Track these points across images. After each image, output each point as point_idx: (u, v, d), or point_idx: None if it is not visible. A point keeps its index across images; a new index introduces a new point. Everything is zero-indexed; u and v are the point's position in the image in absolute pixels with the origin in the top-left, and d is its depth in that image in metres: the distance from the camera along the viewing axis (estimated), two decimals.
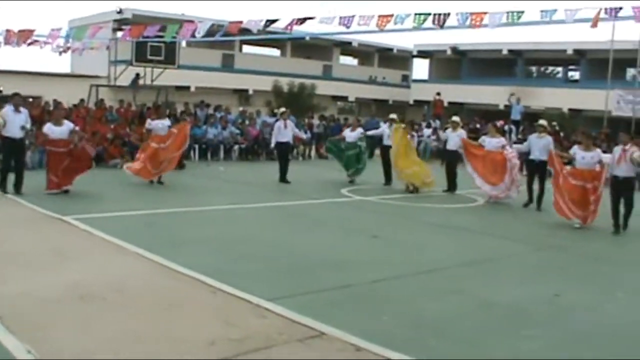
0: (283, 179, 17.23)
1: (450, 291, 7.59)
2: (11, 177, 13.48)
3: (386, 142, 17.60)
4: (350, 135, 18.27)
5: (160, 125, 15.75)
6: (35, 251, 8.58)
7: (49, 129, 13.89)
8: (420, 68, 47.84)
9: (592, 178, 12.57)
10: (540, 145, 14.66)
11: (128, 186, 15.29)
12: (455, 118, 17.55)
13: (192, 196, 14.38)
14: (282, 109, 18.85)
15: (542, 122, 15.32)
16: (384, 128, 18.28)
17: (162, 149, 15.41)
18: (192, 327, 5.91)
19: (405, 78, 48.02)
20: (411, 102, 44.34)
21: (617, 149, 12.25)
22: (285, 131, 17.46)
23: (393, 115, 18.31)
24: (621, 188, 12.14)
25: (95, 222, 10.44)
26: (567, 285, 8.20)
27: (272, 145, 17.97)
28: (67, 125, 14.07)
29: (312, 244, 9.85)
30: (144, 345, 5.44)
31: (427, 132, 29.49)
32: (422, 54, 45.56)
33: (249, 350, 5.44)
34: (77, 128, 14.51)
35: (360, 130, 18.60)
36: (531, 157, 14.94)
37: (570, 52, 37.98)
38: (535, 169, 14.92)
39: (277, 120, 18.59)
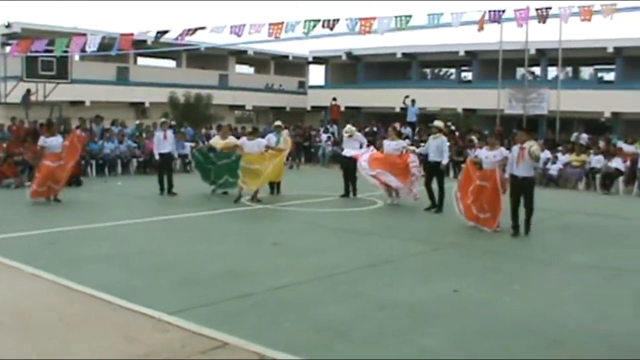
0: (169, 190, 17.05)
1: (352, 294, 7.76)
2: None
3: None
4: (222, 143, 17.73)
5: (55, 142, 15.38)
6: None
7: None
8: (317, 74, 48.43)
9: (488, 178, 12.53)
10: (434, 146, 14.85)
11: (25, 206, 14.86)
12: (349, 126, 17.79)
13: (91, 213, 14.09)
14: (162, 119, 18.66)
15: (437, 123, 15.47)
16: (270, 136, 17.95)
17: (60, 166, 15.08)
18: (93, 346, 5.84)
19: (301, 84, 48.38)
20: (308, 108, 44.65)
21: (515, 148, 12.09)
22: (165, 142, 17.17)
23: (278, 122, 18.42)
24: (521, 188, 11.93)
25: None
26: (466, 281, 8.50)
27: (157, 157, 17.38)
28: None
29: (212, 255, 9.83)
30: None
31: (324, 137, 29.87)
32: (318, 60, 45.99)
33: None
34: None
35: (232, 137, 18.30)
36: (428, 158, 15.08)
37: (462, 53, 39.07)
38: (431, 170, 14.98)
39: (157, 131, 18.41)
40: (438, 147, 14.78)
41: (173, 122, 28.56)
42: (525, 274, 9.37)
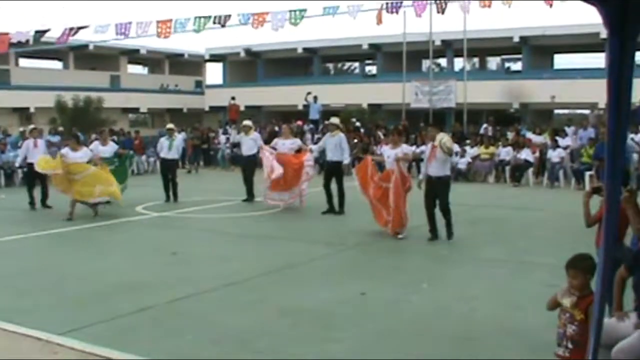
0: (44, 203, 16.50)
1: (255, 302, 7.77)
2: None
3: (165, 155, 17.50)
4: (102, 149, 16.67)
5: None
6: None
7: None
8: (214, 72, 48.20)
9: (389, 179, 12.13)
10: (332, 144, 14.78)
11: None
12: (247, 122, 17.76)
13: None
14: (32, 126, 18.23)
15: (333, 119, 15.45)
16: (162, 140, 17.88)
17: None
18: None
19: (199, 84, 48.13)
20: (206, 108, 44.45)
21: (428, 146, 11.80)
22: (35, 150, 16.63)
23: (170, 125, 18.25)
24: (435, 189, 11.47)
25: None
26: (372, 282, 8.62)
27: (22, 167, 16.73)
28: None
29: (105, 269, 9.64)
30: None
31: (223, 138, 29.77)
32: (215, 58, 45.77)
33: None
34: None
35: (112, 144, 17.64)
36: (327, 158, 15.11)
37: (365, 46, 39.59)
38: (330, 170, 14.88)
39: (17, 140, 17.91)
40: (337, 145, 14.70)
41: (61, 128, 28.00)
42: (434, 271, 9.58)
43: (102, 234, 13.03)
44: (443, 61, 41.19)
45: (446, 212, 11.55)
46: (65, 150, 15.62)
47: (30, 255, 11.05)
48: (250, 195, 16.84)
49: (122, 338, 6.46)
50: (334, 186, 14.73)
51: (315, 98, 31.32)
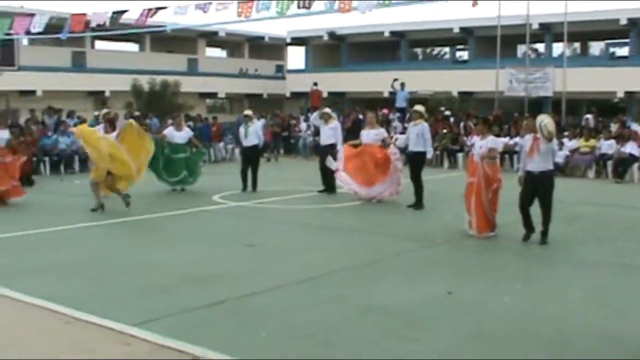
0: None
1: (334, 298, 7.76)
2: None
3: (245, 143, 17.66)
4: (177, 135, 17.70)
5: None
6: None
7: None
8: (296, 57, 48.51)
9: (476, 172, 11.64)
10: (414, 134, 14.54)
11: None
12: (327, 110, 17.75)
13: (44, 215, 13.98)
14: (104, 110, 18.67)
15: (417, 107, 15.08)
16: (240, 128, 18.12)
17: (2, 164, 15.00)
18: None
19: (279, 69, 48.40)
20: (287, 94, 44.68)
21: (528, 138, 11.10)
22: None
23: (248, 112, 18.37)
24: (537, 185, 10.86)
25: None
26: (460, 281, 8.52)
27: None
28: None
29: (179, 260, 9.80)
30: None
31: (304, 126, 29.85)
32: (297, 41, 46.00)
33: None
34: None
35: (187, 130, 18.34)
36: (408, 148, 14.89)
37: (456, 30, 39.18)
38: (414, 162, 14.69)
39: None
40: (419, 135, 14.46)
41: (137, 113, 28.55)
42: (528, 271, 9.39)
43: (176, 223, 13.25)
44: (541, 46, 40.50)
45: (547, 212, 10.92)
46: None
47: (103, 243, 11.31)
48: (329, 187, 16.88)
49: (194, 331, 6.54)
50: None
51: (402, 85, 31.13)
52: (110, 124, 15.05)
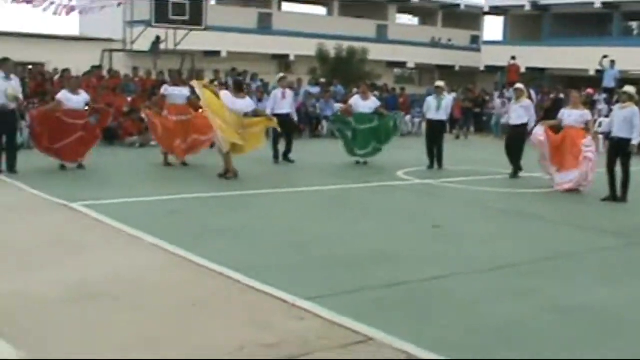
0: (285, 157, 17.35)
1: (521, 292, 7.57)
2: None
3: (433, 116, 17.52)
4: (362, 104, 17.78)
5: (177, 92, 15.96)
6: (34, 243, 8.75)
7: (64, 96, 14.80)
8: (493, 27, 47.73)
9: None
10: (620, 118, 13.76)
11: (147, 167, 15.55)
12: (519, 85, 17.25)
13: (220, 180, 14.50)
14: (281, 75, 18.85)
15: (628, 88, 14.21)
16: (428, 99, 17.96)
17: (182, 122, 15.62)
18: (218, 329, 6.02)
19: (474, 39, 47.74)
20: (482, 68, 44.05)
21: None
22: (283, 101, 17.34)
23: (440, 83, 18.17)
24: None
25: (107, 210, 10.63)
26: None
27: None
28: (84, 95, 15.09)
29: (359, 235, 9.88)
30: (162, 351, 5.55)
31: (499, 103, 29.29)
32: (496, 10, 45.19)
33: (283, 356, 5.51)
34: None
35: (374, 99, 18.31)
36: (612, 134, 14.14)
37: None
38: (615, 149, 13.92)
39: (274, 89, 18.60)
40: (626, 119, 13.58)
41: (322, 80, 29.00)
42: None
43: (358, 197, 13.40)
44: None
45: None
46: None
47: (282, 211, 11.59)
48: (516, 169, 16.45)
49: (370, 312, 6.57)
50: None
51: (612, 63, 29.89)
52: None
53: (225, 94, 14.67)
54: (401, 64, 44.28)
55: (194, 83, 15.05)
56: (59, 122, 14.63)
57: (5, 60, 14.21)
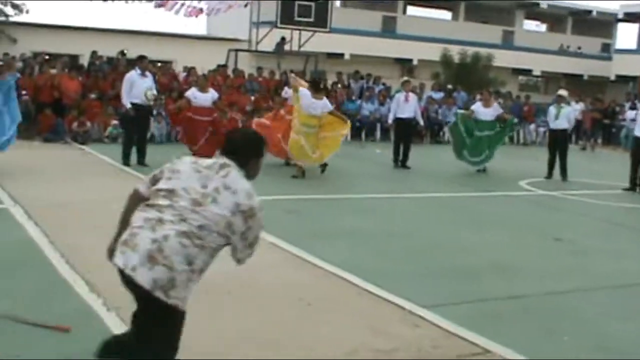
0: (403, 163, 17.14)
1: None
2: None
3: (552, 125, 17.19)
4: (484, 112, 17.46)
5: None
6: None
7: (192, 94, 15.18)
8: (627, 35, 46.22)
9: None
10: None
11: (266, 167, 15.61)
12: None
13: (341, 181, 14.62)
14: (405, 78, 18.72)
15: None
16: (550, 108, 17.60)
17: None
18: (332, 331, 6.03)
19: (605, 47, 46.47)
20: (612, 77, 42.86)
21: None
22: (406, 105, 17.19)
23: (562, 92, 17.75)
24: None
25: None
26: None
27: (390, 121, 17.76)
28: (212, 93, 15.39)
29: (478, 245, 9.73)
30: (273, 350, 5.59)
31: (631, 115, 28.38)
32: (630, 17, 43.79)
33: None
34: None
35: (496, 106, 17.94)
36: None
37: None
38: None
39: (397, 92, 18.49)
40: None
41: (449, 86, 28.80)
42: None
43: (478, 205, 13.22)
44: None
45: None
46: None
47: (403, 216, 11.55)
48: (632, 185, 15.81)
49: (488, 324, 6.45)
50: None
51: None
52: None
53: (305, 95, 14.55)
54: (527, 71, 43.57)
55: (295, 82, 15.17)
56: (190, 121, 15.09)
57: (142, 58, 14.75)
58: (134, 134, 14.89)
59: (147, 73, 14.80)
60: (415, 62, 38.74)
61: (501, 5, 42.19)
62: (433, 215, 11.90)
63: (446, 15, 45.38)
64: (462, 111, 19.13)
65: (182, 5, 18.19)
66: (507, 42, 42.91)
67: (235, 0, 21.91)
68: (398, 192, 13.84)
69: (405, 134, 17.19)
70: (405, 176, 16.23)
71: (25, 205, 10.27)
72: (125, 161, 14.67)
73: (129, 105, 14.55)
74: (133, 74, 14.72)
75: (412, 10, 43.66)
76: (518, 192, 14.89)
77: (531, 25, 48.79)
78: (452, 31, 40.24)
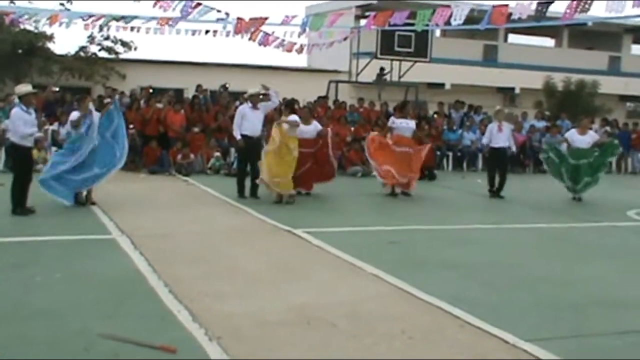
0: (497, 193, 16.95)
1: None
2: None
3: None
4: (579, 139, 17.07)
5: (404, 124, 16.09)
6: (260, 266, 9.16)
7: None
8: None
9: None
10: None
11: (368, 197, 15.79)
12: None
13: (442, 212, 14.58)
14: (497, 108, 18.57)
15: None
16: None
17: (405, 153, 15.73)
18: None
19: None
20: None
21: None
22: (500, 135, 16.98)
23: None
24: None
25: (328, 237, 10.95)
26: None
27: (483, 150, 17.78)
28: (315, 125, 15.60)
29: (586, 277, 9.54)
30: None
31: None
32: None
33: None
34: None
35: (592, 133, 17.57)
36: None
37: None
38: None
39: (490, 123, 18.35)
40: None
41: (547, 113, 28.41)
42: None
43: (584, 237, 12.96)
44: None
45: None
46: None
47: (503, 247, 11.42)
48: None
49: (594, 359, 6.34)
50: None
51: None
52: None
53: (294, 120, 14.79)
54: (635, 98, 42.50)
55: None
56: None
57: (255, 95, 15.02)
58: (246, 166, 15.18)
59: (259, 105, 15.05)
60: (517, 91, 38.21)
61: (607, 30, 41.26)
62: (537, 247, 11.69)
63: (549, 42, 44.72)
64: (551, 139, 18.88)
65: (283, 42, 18.54)
66: (614, 68, 41.97)
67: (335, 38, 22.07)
68: (500, 222, 13.73)
69: (500, 163, 17.05)
70: (506, 206, 16.05)
71: (131, 236, 10.61)
72: (240, 193, 14.99)
73: (239, 137, 14.89)
74: (245, 107, 15.11)
75: (513, 38, 43.17)
76: (626, 223, 14.54)
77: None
78: (556, 58, 39.61)
